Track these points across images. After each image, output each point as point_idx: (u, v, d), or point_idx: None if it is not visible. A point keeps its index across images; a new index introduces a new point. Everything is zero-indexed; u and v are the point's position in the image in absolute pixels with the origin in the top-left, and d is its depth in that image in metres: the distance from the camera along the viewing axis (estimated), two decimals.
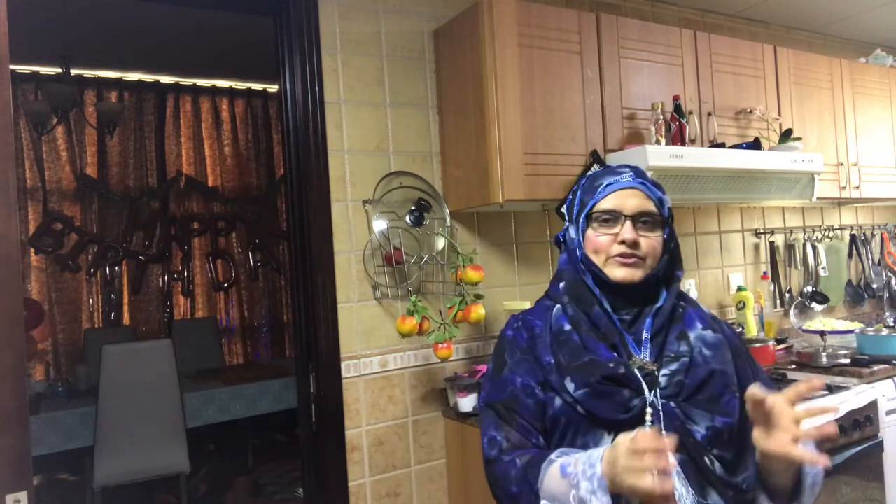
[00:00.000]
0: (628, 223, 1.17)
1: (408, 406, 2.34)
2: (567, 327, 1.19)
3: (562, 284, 1.25)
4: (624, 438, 0.93)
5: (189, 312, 5.28)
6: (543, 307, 1.27)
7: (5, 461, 1.15)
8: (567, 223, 1.29)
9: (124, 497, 3.58)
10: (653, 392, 1.12)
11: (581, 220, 1.23)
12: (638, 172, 1.23)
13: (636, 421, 1.10)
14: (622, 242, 1.17)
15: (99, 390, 3.26)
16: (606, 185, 1.21)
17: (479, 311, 2.22)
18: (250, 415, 3.91)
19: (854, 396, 2.40)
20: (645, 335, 1.17)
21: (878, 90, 3.28)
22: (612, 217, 1.19)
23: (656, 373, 1.13)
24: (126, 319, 5.00)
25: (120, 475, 3.30)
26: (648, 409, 1.10)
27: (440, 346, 2.18)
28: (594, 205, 1.21)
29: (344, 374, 2.22)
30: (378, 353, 2.29)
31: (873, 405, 2.47)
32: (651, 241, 1.18)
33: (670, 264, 1.23)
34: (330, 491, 2.19)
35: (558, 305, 1.24)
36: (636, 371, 1.13)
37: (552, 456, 1.07)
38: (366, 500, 2.24)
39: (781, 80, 2.89)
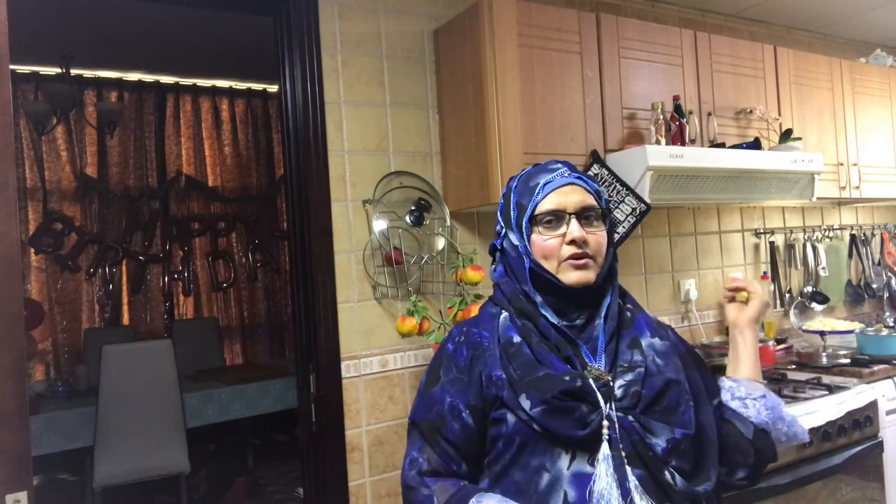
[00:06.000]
0: (574, 221, 1.12)
1: (408, 406, 2.33)
2: (516, 339, 1.13)
3: (502, 295, 1.19)
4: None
5: (189, 312, 5.28)
6: (489, 315, 1.20)
7: (5, 461, 1.15)
8: (503, 230, 1.21)
9: (124, 497, 3.58)
10: (608, 404, 1.07)
11: (524, 224, 1.15)
12: (571, 167, 1.19)
13: (594, 437, 1.05)
14: (571, 242, 1.11)
15: (99, 390, 3.26)
16: (544, 185, 1.15)
17: None
18: (250, 415, 3.91)
19: (854, 396, 2.40)
20: (601, 342, 1.12)
21: (878, 90, 3.28)
22: (556, 217, 1.13)
23: (611, 383, 1.08)
24: (126, 319, 4.99)
25: (120, 475, 3.30)
26: (605, 423, 1.05)
27: None
28: (535, 207, 1.14)
29: (344, 374, 2.22)
30: (378, 353, 2.29)
31: (873, 405, 2.47)
32: (597, 237, 1.14)
33: (613, 258, 1.18)
34: (330, 491, 2.19)
35: (505, 313, 1.17)
36: (591, 382, 1.08)
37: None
38: (366, 500, 2.24)
39: (781, 80, 2.89)
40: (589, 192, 1.16)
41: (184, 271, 5.25)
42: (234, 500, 4.07)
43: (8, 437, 1.15)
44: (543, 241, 1.14)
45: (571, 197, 1.14)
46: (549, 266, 1.13)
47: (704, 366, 1.25)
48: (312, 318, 2.20)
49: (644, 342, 1.14)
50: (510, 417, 1.09)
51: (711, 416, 1.16)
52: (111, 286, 4.94)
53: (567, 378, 1.07)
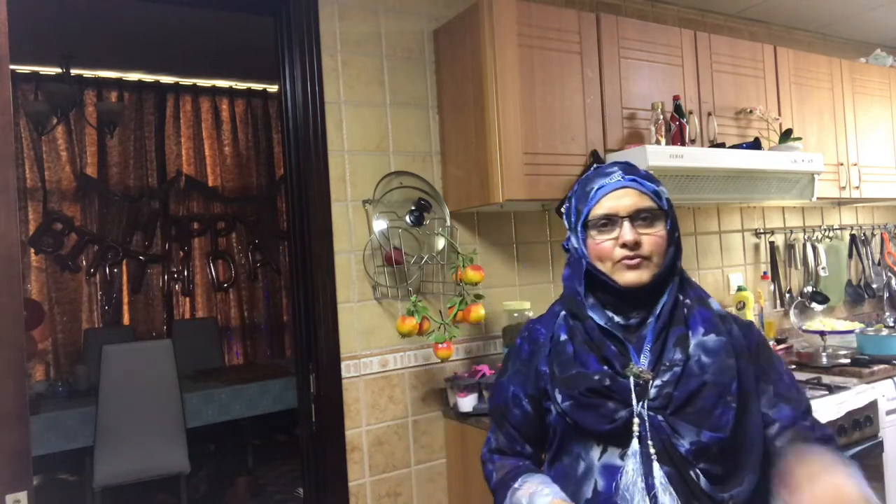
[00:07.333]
0: (626, 224, 1.15)
1: (408, 406, 2.34)
2: (563, 337, 1.21)
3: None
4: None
5: (189, 312, 5.28)
6: (552, 313, 1.28)
7: (5, 461, 1.15)
8: (568, 231, 1.26)
9: (124, 497, 3.58)
10: (641, 403, 1.11)
11: (579, 229, 1.20)
12: (627, 169, 1.20)
13: (623, 432, 1.11)
14: (624, 245, 1.14)
15: (99, 390, 3.26)
16: (598, 190, 1.18)
17: (479, 311, 2.22)
18: (250, 415, 3.91)
19: (854, 396, 2.40)
20: (647, 341, 1.15)
21: (878, 90, 3.28)
22: (610, 221, 1.16)
23: (651, 382, 1.12)
24: (126, 319, 4.99)
25: (120, 475, 3.29)
26: (636, 420, 1.11)
27: (440, 346, 2.18)
28: (589, 212, 1.18)
29: (344, 374, 2.22)
30: (378, 353, 2.29)
31: (873, 405, 2.47)
32: (653, 238, 1.15)
33: (674, 256, 1.19)
34: (330, 491, 2.19)
35: (563, 312, 1.24)
36: (630, 380, 1.11)
37: (515, 484, 1.19)
38: (366, 500, 2.24)
39: (781, 80, 2.89)
40: (644, 193, 1.17)
41: (184, 271, 5.25)
42: (234, 500, 4.06)
43: (8, 437, 1.15)
44: (597, 244, 1.17)
45: (624, 200, 1.16)
46: (604, 267, 1.17)
47: (774, 362, 1.20)
48: (312, 318, 2.20)
49: (693, 340, 1.14)
50: (553, 409, 1.20)
51: (759, 419, 1.14)
52: (111, 286, 4.94)
53: (596, 377, 1.13)
